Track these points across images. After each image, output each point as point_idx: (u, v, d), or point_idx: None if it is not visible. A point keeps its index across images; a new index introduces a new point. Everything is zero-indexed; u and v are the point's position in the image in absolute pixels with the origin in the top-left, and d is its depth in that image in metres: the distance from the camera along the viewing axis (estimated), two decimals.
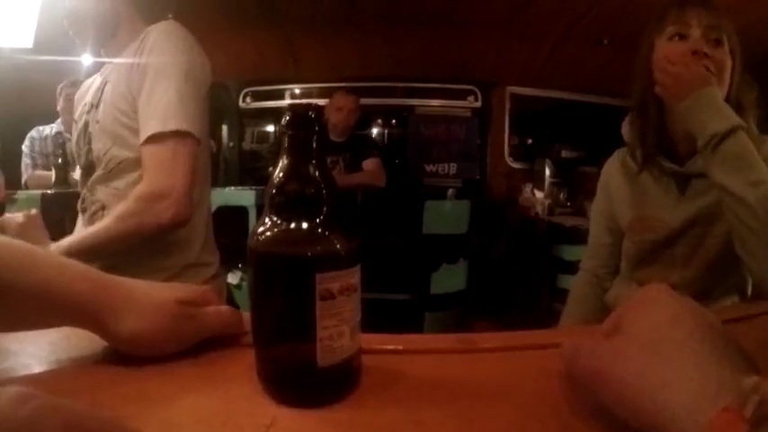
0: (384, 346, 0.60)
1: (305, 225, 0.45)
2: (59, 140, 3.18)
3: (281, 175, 0.46)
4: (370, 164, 3.31)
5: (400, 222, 3.09)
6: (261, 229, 0.46)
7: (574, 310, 1.55)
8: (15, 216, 1.26)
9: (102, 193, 1.34)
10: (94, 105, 1.35)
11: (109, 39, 1.38)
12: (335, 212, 0.46)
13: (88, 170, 1.37)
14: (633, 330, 0.41)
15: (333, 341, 0.45)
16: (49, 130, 3.25)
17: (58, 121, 3.26)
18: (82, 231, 1.27)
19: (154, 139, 1.20)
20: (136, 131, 1.25)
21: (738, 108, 1.10)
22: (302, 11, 3.58)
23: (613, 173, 1.43)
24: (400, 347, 0.61)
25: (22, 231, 1.20)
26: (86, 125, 1.38)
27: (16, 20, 2.85)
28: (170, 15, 3.25)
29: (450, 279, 3.20)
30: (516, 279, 3.83)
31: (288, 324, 0.46)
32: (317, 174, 0.46)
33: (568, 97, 4.69)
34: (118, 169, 1.30)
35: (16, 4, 2.82)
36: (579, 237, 3.13)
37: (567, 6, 3.36)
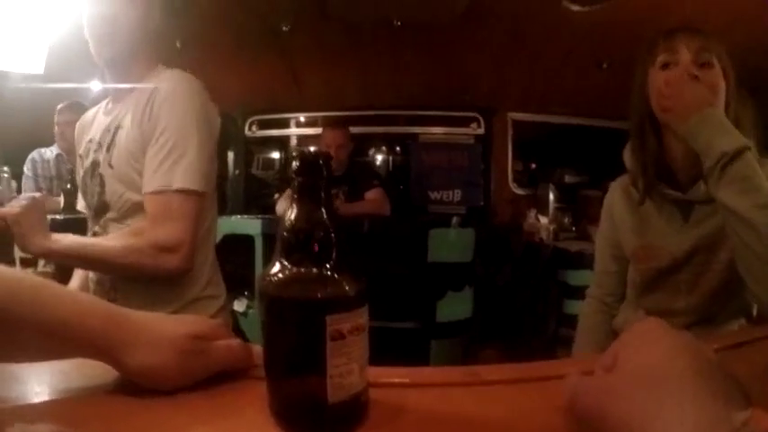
0: (391, 380, 0.61)
1: (315, 269, 0.47)
2: (61, 162, 3.18)
3: (291, 220, 0.48)
4: (372, 194, 3.33)
5: (405, 251, 3.10)
6: (272, 271, 0.48)
7: (585, 340, 1.55)
8: (19, 199, 1.28)
9: (115, 230, 1.36)
10: (106, 148, 1.37)
11: (131, 58, 1.40)
12: (343, 254, 0.48)
13: (100, 210, 1.40)
14: (629, 366, 0.43)
15: (342, 378, 0.47)
16: (49, 152, 3.25)
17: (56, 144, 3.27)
18: (89, 238, 1.32)
19: (162, 191, 1.26)
20: None
21: (738, 129, 1.11)
22: (306, 42, 3.63)
23: (616, 201, 1.44)
24: (407, 380, 0.62)
25: (23, 217, 1.23)
26: (96, 165, 1.40)
27: (28, 46, 2.90)
28: (177, 44, 3.30)
29: (455, 307, 3.19)
30: (522, 305, 3.82)
31: (299, 362, 0.48)
32: (326, 218, 0.48)
33: (570, 122, 4.71)
34: (132, 210, 1.34)
35: (28, 31, 2.87)
36: (584, 261, 3.13)
37: (566, 32, 3.40)
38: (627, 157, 1.38)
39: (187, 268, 1.28)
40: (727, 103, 1.19)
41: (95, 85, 3.64)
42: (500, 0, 3.01)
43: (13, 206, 1.24)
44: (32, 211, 1.24)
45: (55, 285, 0.58)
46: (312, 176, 0.48)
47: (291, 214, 0.48)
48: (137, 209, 1.33)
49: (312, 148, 0.46)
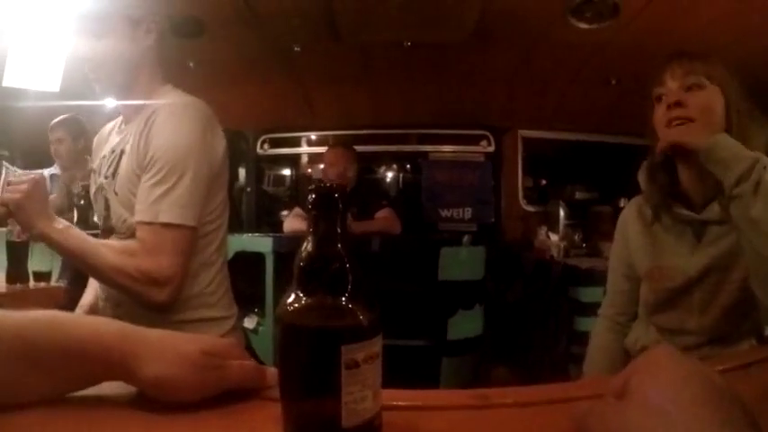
0: (403, 403, 0.62)
1: (331, 299, 0.49)
2: (54, 182, 3.17)
3: (308, 251, 0.50)
4: (382, 213, 3.35)
5: (416, 269, 3.11)
6: (290, 300, 0.50)
7: (596, 359, 1.55)
8: (20, 181, 1.24)
9: None
10: (111, 173, 1.39)
11: (128, 88, 1.40)
12: (358, 284, 0.50)
13: (107, 231, 1.43)
14: (640, 395, 0.44)
15: (356, 404, 0.48)
16: (45, 173, 3.21)
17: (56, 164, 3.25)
18: (90, 239, 1.27)
19: (151, 223, 1.24)
20: None
21: (743, 142, 1.13)
22: (317, 62, 3.68)
23: (630, 221, 1.45)
24: (418, 403, 0.64)
25: (26, 201, 1.21)
26: (103, 189, 1.42)
27: (44, 64, 2.95)
28: (191, 64, 3.34)
29: (466, 324, 3.19)
30: (533, 323, 3.80)
31: (314, 388, 0.49)
32: (341, 250, 0.50)
33: (580, 138, 4.71)
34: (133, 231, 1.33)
35: (44, 49, 2.92)
36: (595, 278, 3.12)
37: (575, 49, 3.43)
38: (641, 178, 1.39)
39: (172, 301, 1.27)
40: (728, 120, 1.21)
41: (110, 103, 3.70)
42: (509, 19, 3.04)
43: (15, 190, 1.21)
44: (35, 195, 1.21)
45: (69, 313, 0.60)
46: (327, 210, 0.50)
47: (308, 246, 0.50)
48: None
49: (328, 182, 0.48)
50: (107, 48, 1.35)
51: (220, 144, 1.37)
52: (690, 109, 1.19)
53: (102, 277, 1.30)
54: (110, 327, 0.59)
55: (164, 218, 1.23)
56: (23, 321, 0.56)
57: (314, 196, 0.50)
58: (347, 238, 0.51)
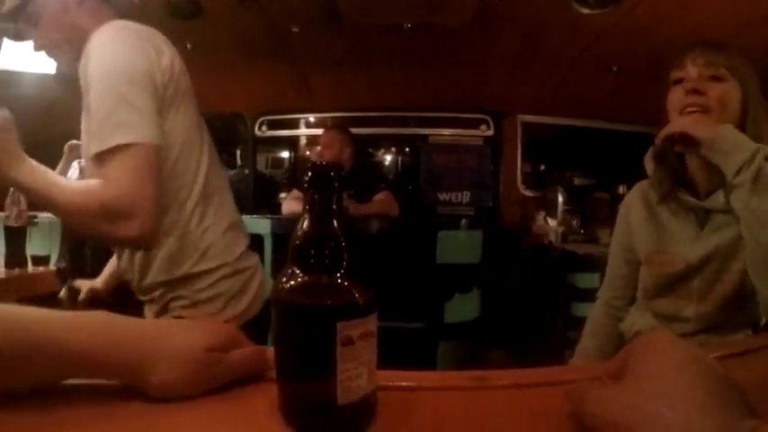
0: (398, 383, 0.63)
1: (326, 277, 0.49)
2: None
3: (303, 230, 0.50)
4: (380, 196, 3.35)
5: (414, 252, 3.11)
6: (285, 278, 0.50)
7: (591, 341, 1.56)
8: None
9: None
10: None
11: (77, 46, 1.27)
12: (354, 262, 0.49)
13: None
14: (639, 378, 0.44)
15: (351, 381, 0.48)
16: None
17: None
18: (58, 181, 1.15)
19: (101, 154, 1.12)
20: None
21: (756, 140, 1.13)
22: (316, 44, 3.65)
23: (634, 205, 1.46)
24: (414, 384, 0.64)
25: None
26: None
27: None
28: (188, 45, 3.32)
29: (463, 308, 3.20)
30: (530, 307, 3.82)
31: (310, 366, 0.49)
32: (337, 229, 0.50)
33: (579, 124, 4.71)
34: None
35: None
36: (593, 264, 3.13)
37: (576, 35, 3.41)
38: (648, 163, 1.39)
39: (148, 235, 1.14)
40: (744, 114, 1.20)
41: None
42: (510, 3, 3.01)
43: None
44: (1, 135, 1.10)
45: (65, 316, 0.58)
46: (323, 188, 0.50)
47: (304, 224, 0.50)
48: None
49: (324, 161, 0.48)
50: (44, 23, 1.30)
51: (164, 59, 1.24)
52: (707, 98, 1.19)
53: (71, 222, 1.20)
54: (111, 335, 0.57)
55: (110, 141, 1.10)
56: (19, 312, 0.55)
57: (310, 174, 0.50)
58: (343, 216, 0.51)
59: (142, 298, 1.38)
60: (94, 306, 1.26)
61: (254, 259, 1.44)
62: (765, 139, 1.17)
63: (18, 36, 1.38)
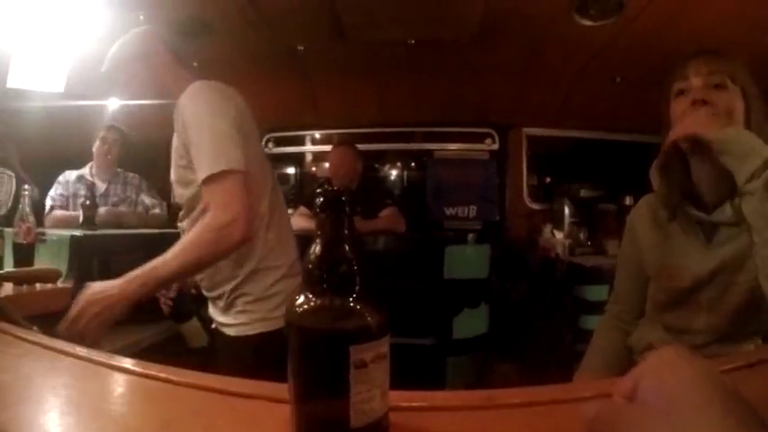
0: (410, 404, 0.63)
1: (339, 300, 0.50)
2: (80, 183, 3.23)
3: (316, 254, 0.51)
4: (387, 212, 3.35)
5: (421, 268, 3.11)
6: (298, 302, 0.51)
7: (597, 355, 1.55)
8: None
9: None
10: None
11: (164, 97, 1.64)
12: (367, 285, 0.50)
13: (181, 212, 1.66)
14: (651, 398, 0.43)
15: (365, 404, 0.49)
16: (75, 174, 3.28)
17: (88, 165, 3.33)
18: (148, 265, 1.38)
19: (207, 181, 1.41)
20: (191, 169, 1.49)
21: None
22: (322, 60, 3.69)
23: (640, 219, 1.45)
24: (425, 404, 0.64)
25: (86, 329, 1.26)
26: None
27: (49, 64, 2.97)
28: (195, 64, 3.40)
29: (471, 323, 3.19)
30: (538, 321, 3.81)
31: (324, 389, 0.50)
32: (348, 252, 0.50)
33: (584, 136, 4.70)
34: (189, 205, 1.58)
35: (50, 50, 2.94)
36: (600, 276, 3.12)
37: (579, 48, 3.43)
38: (654, 178, 1.39)
39: (250, 231, 1.42)
40: (747, 122, 1.20)
41: (113, 103, 3.73)
42: (514, 17, 3.04)
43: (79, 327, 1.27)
44: (92, 319, 1.27)
45: None
46: (335, 213, 0.51)
47: (316, 248, 0.51)
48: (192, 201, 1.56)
49: (335, 185, 0.49)
50: (132, 79, 1.68)
51: (237, 102, 1.55)
52: (716, 107, 1.19)
53: (191, 267, 1.42)
54: None
55: (203, 173, 1.41)
56: None
57: (321, 199, 0.51)
58: (354, 239, 0.51)
59: (209, 295, 1.65)
60: None
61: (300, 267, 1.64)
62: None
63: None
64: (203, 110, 1.48)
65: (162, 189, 3.38)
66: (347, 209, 0.51)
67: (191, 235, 1.40)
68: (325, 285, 0.50)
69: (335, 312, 0.50)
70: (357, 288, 0.50)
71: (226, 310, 1.59)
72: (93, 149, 3.32)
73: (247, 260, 1.54)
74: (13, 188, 2.77)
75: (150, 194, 3.40)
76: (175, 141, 1.57)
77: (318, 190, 0.50)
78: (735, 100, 1.20)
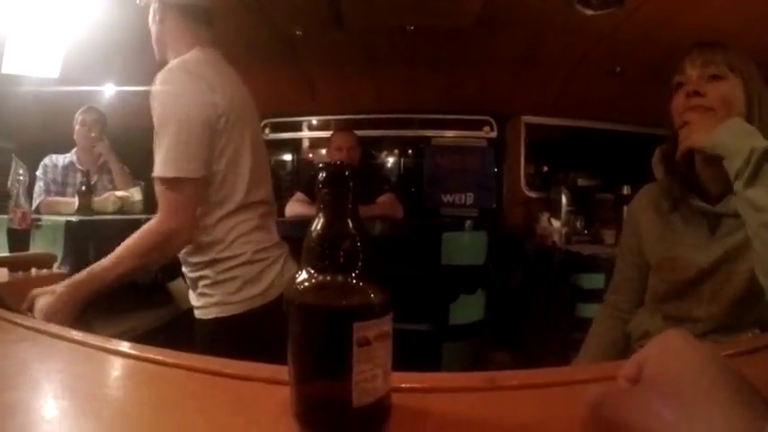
0: (412, 385, 0.62)
1: (342, 277, 0.49)
2: (71, 170, 3.19)
3: (318, 230, 0.50)
4: (384, 198, 3.34)
5: (418, 254, 3.11)
6: (300, 279, 0.50)
7: (596, 343, 1.55)
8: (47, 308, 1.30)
9: None
10: None
11: (165, 57, 1.61)
12: (369, 262, 0.49)
13: None
14: (657, 383, 0.42)
15: (367, 383, 0.48)
16: (62, 159, 3.22)
17: (74, 150, 3.26)
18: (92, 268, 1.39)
19: (158, 180, 1.42)
20: None
21: (765, 134, 1.12)
22: (319, 47, 3.66)
23: (642, 210, 1.44)
24: (427, 386, 0.64)
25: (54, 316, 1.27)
26: None
27: (44, 50, 2.94)
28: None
29: (468, 309, 3.20)
30: (534, 308, 3.82)
31: (326, 367, 0.49)
32: (352, 228, 0.50)
33: (582, 125, 4.70)
34: None
35: (44, 35, 2.91)
36: (597, 265, 3.13)
37: (579, 38, 3.41)
38: (656, 168, 1.38)
39: (192, 239, 1.47)
40: (749, 111, 1.20)
41: (109, 89, 3.70)
42: (514, 5, 3.02)
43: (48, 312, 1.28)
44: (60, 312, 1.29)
45: None
46: (338, 187, 0.50)
47: (318, 224, 0.50)
48: None
49: (338, 160, 0.48)
50: (153, 27, 1.62)
51: (217, 96, 1.47)
52: (709, 98, 1.19)
53: (140, 267, 1.42)
54: None
55: (166, 172, 1.40)
56: None
57: (324, 174, 0.49)
58: (357, 216, 0.50)
59: (185, 270, 1.63)
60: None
61: (276, 252, 1.64)
62: None
63: None
64: (171, 105, 1.43)
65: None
66: (350, 183, 0.50)
67: (135, 238, 1.40)
68: (327, 262, 0.49)
69: (338, 289, 0.49)
70: (360, 265, 0.49)
71: (193, 289, 1.60)
72: (75, 136, 3.23)
73: (209, 251, 1.53)
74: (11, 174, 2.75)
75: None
76: None
77: (321, 165, 0.49)
78: (732, 89, 1.21)
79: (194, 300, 1.58)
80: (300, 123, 4.98)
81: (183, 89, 1.44)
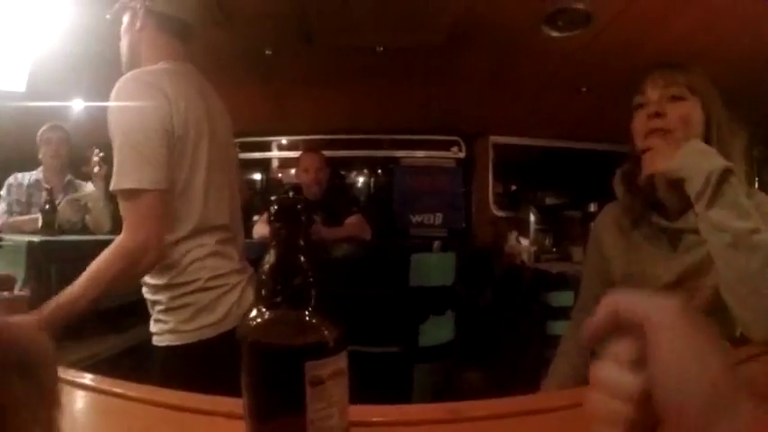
0: (375, 419, 0.61)
1: (294, 314, 0.47)
2: (36, 189, 3.11)
3: (270, 265, 0.48)
4: (352, 219, 3.32)
5: (387, 275, 3.09)
6: (252, 315, 0.48)
7: (562, 361, 1.55)
8: None
9: None
10: None
11: (133, 64, 1.55)
12: (322, 298, 0.48)
13: None
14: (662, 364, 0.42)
15: (323, 422, 0.46)
16: (28, 177, 3.15)
17: (40, 168, 3.18)
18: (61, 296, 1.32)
19: (118, 194, 1.36)
20: None
21: (724, 154, 1.14)
22: (289, 66, 3.65)
23: (605, 228, 1.45)
24: (390, 419, 0.62)
25: None
26: None
27: (9, 63, 2.87)
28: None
29: (438, 330, 3.18)
30: (505, 327, 3.82)
31: (280, 407, 0.47)
32: (304, 264, 0.48)
33: (550, 144, 4.77)
34: None
35: (9, 47, 2.85)
36: (566, 283, 3.15)
37: (547, 57, 3.46)
38: (618, 186, 1.40)
39: (161, 257, 1.37)
40: (708, 132, 1.22)
41: (77, 104, 3.63)
42: (482, 26, 3.05)
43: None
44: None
45: None
46: (290, 222, 0.48)
47: (270, 258, 0.48)
48: None
49: (290, 194, 0.46)
50: (124, 37, 1.56)
51: (173, 106, 1.41)
52: (669, 120, 1.21)
53: (107, 290, 1.34)
54: None
55: (125, 184, 1.33)
56: None
57: (276, 207, 0.48)
58: (311, 250, 0.49)
59: (143, 291, 1.54)
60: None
61: (234, 279, 1.55)
62: (734, 153, 1.19)
63: None
64: (126, 116, 1.37)
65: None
66: (303, 218, 0.48)
67: (101, 261, 1.33)
68: (279, 298, 0.47)
69: (290, 326, 0.47)
70: (312, 301, 0.48)
71: (151, 316, 1.53)
72: (40, 156, 3.16)
73: (162, 275, 1.46)
74: None
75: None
76: None
77: (273, 197, 0.48)
78: (692, 110, 1.23)
79: (151, 325, 1.51)
80: (270, 143, 4.96)
81: (139, 99, 1.38)
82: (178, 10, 1.57)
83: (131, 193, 1.33)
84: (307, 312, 0.47)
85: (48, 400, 0.38)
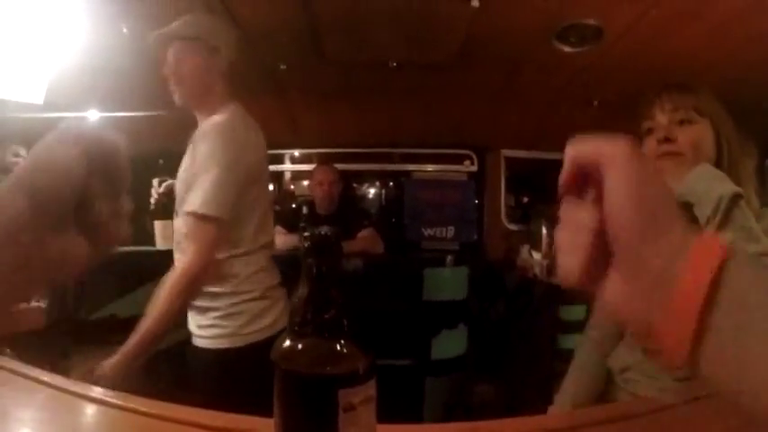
0: None
1: (327, 344, 0.50)
2: None
3: (303, 298, 0.51)
4: (364, 233, 3.35)
5: (400, 289, 3.10)
6: (285, 345, 0.51)
7: (575, 377, 1.56)
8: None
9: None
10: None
11: (201, 101, 1.72)
12: (354, 328, 0.50)
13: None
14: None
15: None
16: None
17: None
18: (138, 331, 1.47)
19: (192, 215, 1.51)
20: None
21: (736, 179, 1.15)
22: (302, 80, 3.68)
23: None
24: None
25: None
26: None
27: (28, 75, 2.91)
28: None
29: (450, 344, 3.19)
30: (517, 341, 3.81)
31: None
32: (337, 297, 0.50)
33: (562, 158, 4.73)
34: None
35: (29, 60, 2.89)
36: (578, 297, 3.14)
37: (558, 71, 3.47)
38: None
39: (210, 280, 1.57)
40: (719, 153, 1.23)
41: (93, 115, 3.67)
42: (494, 42, 3.07)
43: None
44: None
45: None
46: (324, 257, 0.51)
47: (304, 292, 0.51)
48: None
49: (324, 230, 0.49)
50: (191, 66, 1.69)
51: (251, 155, 1.66)
52: (679, 144, 1.22)
53: (177, 312, 1.54)
54: None
55: (202, 209, 1.50)
56: None
57: (309, 244, 0.50)
58: (342, 282, 0.51)
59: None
60: None
61: (279, 292, 1.77)
62: (742, 169, 1.20)
63: None
64: (219, 153, 1.54)
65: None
66: (335, 252, 0.51)
67: (170, 288, 1.48)
68: (312, 329, 0.50)
69: (324, 356, 0.50)
70: (345, 331, 0.50)
71: (197, 317, 1.68)
72: None
73: (225, 283, 1.64)
74: None
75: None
76: (187, 160, 1.66)
77: (305, 234, 0.50)
78: (702, 133, 1.23)
79: (199, 329, 1.65)
80: (283, 156, 4.98)
81: (231, 142, 1.57)
82: (234, 53, 1.80)
83: (205, 218, 1.50)
84: (339, 343, 0.50)
85: (120, 194, 0.50)
